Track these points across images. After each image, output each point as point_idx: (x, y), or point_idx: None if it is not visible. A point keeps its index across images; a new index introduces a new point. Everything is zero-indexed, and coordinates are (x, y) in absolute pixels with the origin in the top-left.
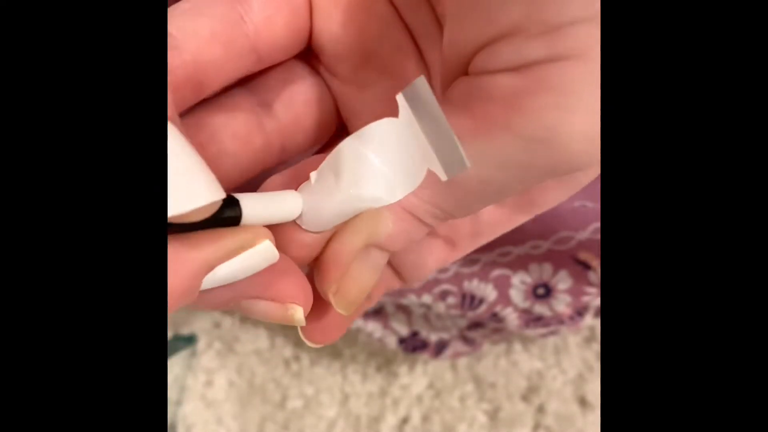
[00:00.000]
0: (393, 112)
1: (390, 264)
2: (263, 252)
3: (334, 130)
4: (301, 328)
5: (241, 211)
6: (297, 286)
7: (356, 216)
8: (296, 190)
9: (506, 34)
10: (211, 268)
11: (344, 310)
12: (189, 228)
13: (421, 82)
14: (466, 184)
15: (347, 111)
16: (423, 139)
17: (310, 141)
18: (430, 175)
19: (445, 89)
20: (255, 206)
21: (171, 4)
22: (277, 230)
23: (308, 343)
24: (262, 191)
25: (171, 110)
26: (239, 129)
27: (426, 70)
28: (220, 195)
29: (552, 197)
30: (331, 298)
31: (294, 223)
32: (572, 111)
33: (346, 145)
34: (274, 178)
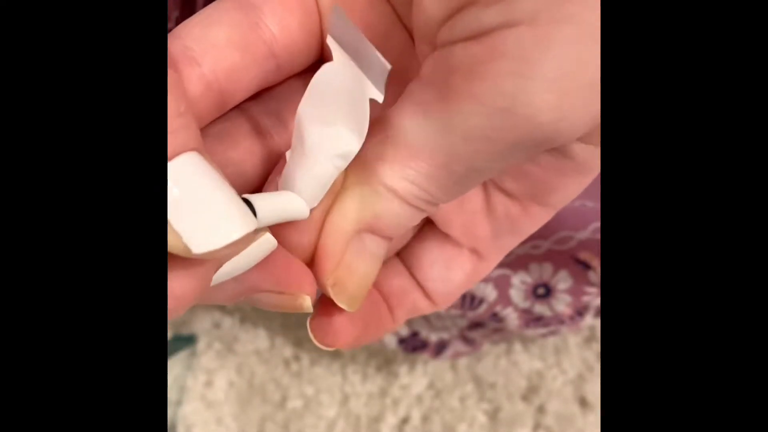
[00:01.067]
0: (388, 93)
1: (417, 283)
2: (264, 243)
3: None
4: (311, 329)
5: (255, 212)
6: (304, 277)
7: (339, 199)
8: (277, 173)
9: (465, 4)
10: (219, 265)
11: (346, 304)
12: None
13: (339, 11)
14: (435, 158)
15: None
16: (357, 72)
17: (302, 60)
18: (403, 152)
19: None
20: (266, 207)
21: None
22: None
23: (320, 346)
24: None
25: (195, 132)
26: (238, 40)
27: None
28: (254, 225)
29: (564, 187)
30: (330, 292)
31: None
32: (530, 77)
33: (299, 109)
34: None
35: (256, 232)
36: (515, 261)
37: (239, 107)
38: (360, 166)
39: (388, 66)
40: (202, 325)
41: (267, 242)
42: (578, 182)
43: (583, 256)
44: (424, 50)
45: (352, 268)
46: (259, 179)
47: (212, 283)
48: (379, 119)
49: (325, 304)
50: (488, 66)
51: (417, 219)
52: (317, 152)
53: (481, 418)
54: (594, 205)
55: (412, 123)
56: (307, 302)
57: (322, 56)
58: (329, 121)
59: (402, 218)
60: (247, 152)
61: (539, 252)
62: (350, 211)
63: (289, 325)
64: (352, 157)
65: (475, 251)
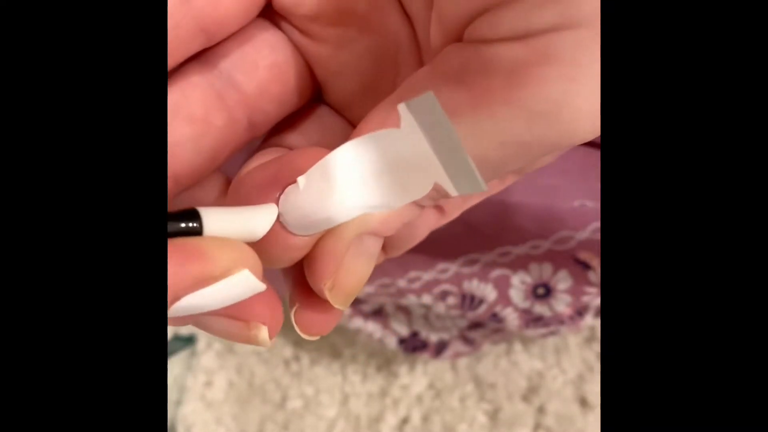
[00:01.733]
0: (380, 72)
1: None
2: (242, 282)
3: (310, 94)
4: (296, 321)
5: (202, 226)
6: (263, 303)
7: None
8: (280, 188)
9: (510, 0)
10: (177, 298)
11: (342, 304)
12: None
13: (430, 97)
14: None
15: (325, 72)
16: (429, 152)
17: (281, 109)
18: None
19: (433, 52)
20: (220, 221)
21: None
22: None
23: (305, 337)
24: (238, 184)
25: None
26: (195, 110)
27: (409, 24)
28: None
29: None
30: (327, 294)
31: (279, 225)
32: (579, 82)
33: (341, 151)
34: (255, 173)
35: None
36: (515, 261)
37: (180, 70)
38: None
39: (473, 165)
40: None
41: (247, 281)
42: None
43: (583, 256)
44: (444, 35)
45: (351, 270)
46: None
47: (171, 316)
48: (394, 117)
49: (305, 295)
50: (535, 69)
51: (417, 215)
52: (346, 196)
53: (482, 419)
54: (594, 205)
55: None
56: (263, 334)
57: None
58: (373, 174)
59: (406, 218)
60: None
61: (539, 252)
62: (356, 220)
63: (289, 325)
64: (377, 212)
65: (439, 208)
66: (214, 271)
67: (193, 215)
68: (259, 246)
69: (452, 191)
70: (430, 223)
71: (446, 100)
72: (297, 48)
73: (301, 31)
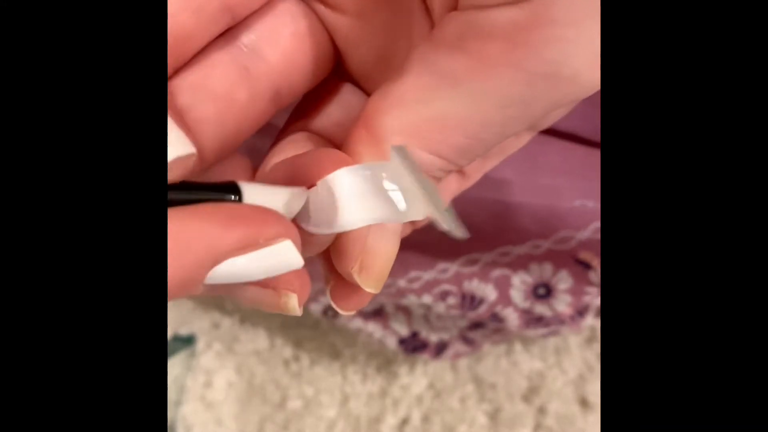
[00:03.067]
0: (395, 43)
1: None
2: (283, 253)
3: (332, 65)
4: (332, 297)
5: (241, 199)
6: (293, 272)
7: None
8: (299, 180)
9: None
10: (217, 261)
11: (373, 287)
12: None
13: (403, 150)
14: (467, 129)
15: (346, 43)
16: (416, 190)
17: (307, 79)
18: (428, 126)
19: (436, 21)
20: (258, 195)
21: None
22: None
23: (342, 312)
24: (261, 172)
25: None
26: (218, 87)
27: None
28: (190, 149)
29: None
30: (357, 278)
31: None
32: (577, 42)
33: (339, 174)
34: (274, 173)
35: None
36: (515, 261)
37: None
38: (379, 143)
39: (448, 215)
40: (201, 325)
41: (288, 253)
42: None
43: (584, 256)
44: (438, 7)
45: (376, 251)
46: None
47: (210, 282)
48: (398, 90)
49: (338, 272)
50: (532, 32)
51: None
52: (343, 218)
53: (482, 419)
54: (594, 204)
55: (441, 95)
56: (292, 302)
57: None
58: (370, 203)
59: None
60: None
61: (539, 252)
62: None
63: (289, 325)
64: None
65: (461, 172)
66: (260, 237)
67: (233, 188)
68: None
69: (443, 225)
70: (452, 188)
71: (446, 68)
72: (318, 18)
73: (322, 1)
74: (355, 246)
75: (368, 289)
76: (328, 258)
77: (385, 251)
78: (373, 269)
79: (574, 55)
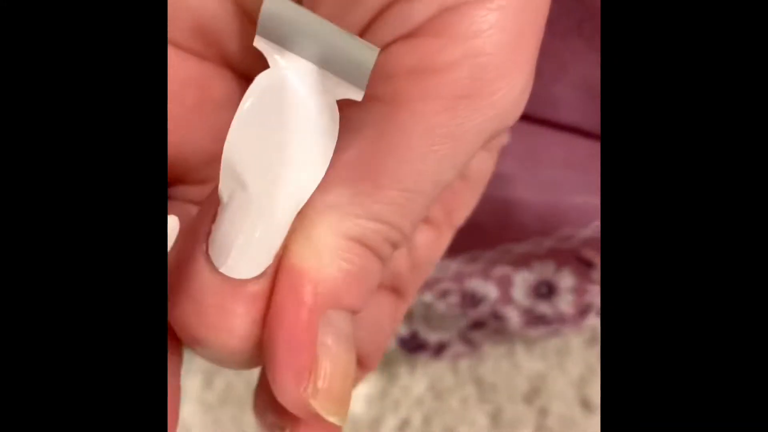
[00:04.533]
0: None
1: None
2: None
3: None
4: None
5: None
6: None
7: (286, 267)
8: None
9: (390, 3)
10: None
11: (336, 413)
12: None
13: (275, 5)
14: (402, 181)
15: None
16: (309, 66)
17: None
18: (355, 186)
19: None
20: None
21: None
22: (179, 287)
23: None
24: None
25: None
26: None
27: None
28: None
29: (465, 202)
30: (314, 406)
31: (207, 266)
32: (487, 53)
33: (228, 145)
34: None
35: None
36: (517, 259)
37: None
38: (301, 218)
39: (374, 48)
40: None
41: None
42: (474, 193)
43: (586, 254)
44: None
45: (330, 360)
46: None
47: None
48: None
49: (293, 416)
50: (437, 57)
51: (381, 276)
52: (265, 201)
53: (483, 420)
54: (597, 201)
55: (364, 147)
56: None
57: None
58: (277, 154)
59: (370, 277)
60: None
61: (541, 250)
62: (313, 282)
63: None
64: (315, 187)
65: (394, 289)
66: None
67: None
68: (197, 316)
69: (357, 93)
70: (389, 310)
71: (363, 120)
72: None
73: None
74: (302, 352)
75: (333, 420)
76: (269, 401)
77: (342, 358)
78: (332, 387)
79: (487, 68)
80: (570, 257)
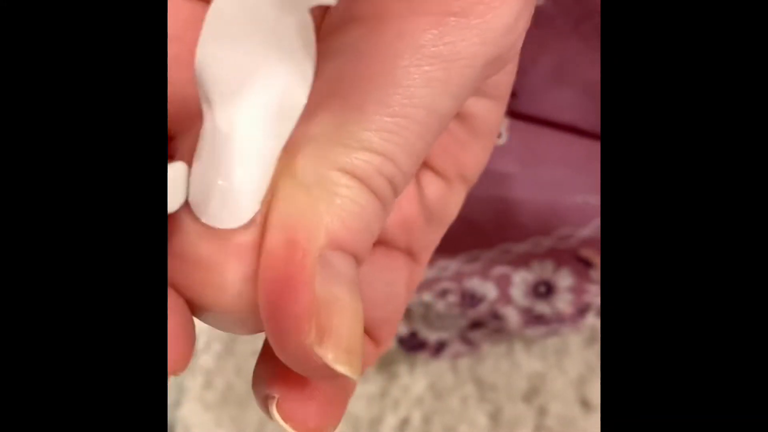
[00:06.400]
0: None
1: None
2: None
3: None
4: (283, 417)
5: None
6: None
7: (279, 206)
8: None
9: None
10: None
11: (347, 363)
12: None
13: None
14: (390, 105)
15: None
16: None
17: None
18: (341, 112)
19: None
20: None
21: None
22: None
23: None
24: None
25: None
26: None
27: None
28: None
29: (475, 154)
30: (320, 354)
31: (188, 217)
32: None
33: (199, 55)
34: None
35: None
36: (516, 259)
37: None
38: (284, 154)
39: None
40: (200, 325)
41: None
42: (483, 147)
43: (585, 253)
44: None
45: (335, 304)
46: None
47: None
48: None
49: (286, 378)
50: None
51: (382, 219)
52: (245, 138)
53: (482, 420)
54: (596, 201)
55: (347, 70)
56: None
57: None
58: (255, 65)
59: (366, 214)
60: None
61: (540, 250)
62: (304, 219)
63: None
64: (299, 113)
65: (409, 251)
66: None
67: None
68: (192, 276)
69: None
70: (404, 274)
71: (345, 38)
72: None
73: None
74: (303, 297)
75: (342, 369)
76: (266, 371)
77: (347, 302)
78: (339, 333)
79: None
80: (569, 257)
